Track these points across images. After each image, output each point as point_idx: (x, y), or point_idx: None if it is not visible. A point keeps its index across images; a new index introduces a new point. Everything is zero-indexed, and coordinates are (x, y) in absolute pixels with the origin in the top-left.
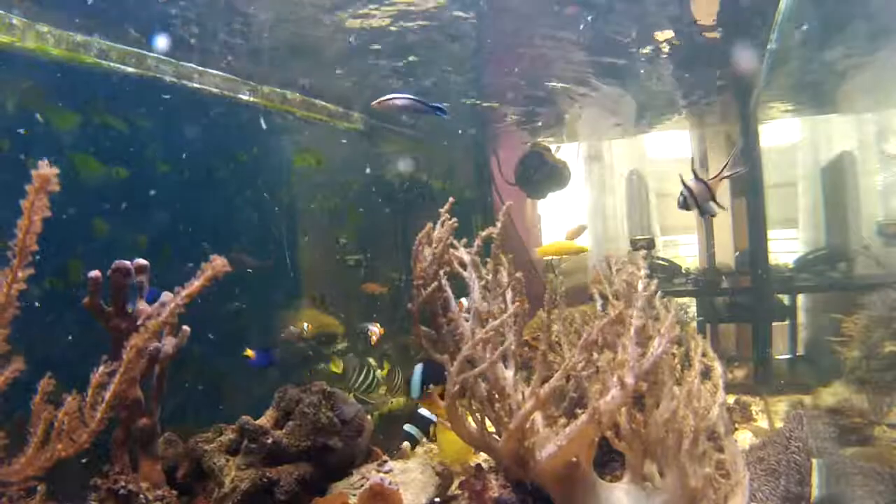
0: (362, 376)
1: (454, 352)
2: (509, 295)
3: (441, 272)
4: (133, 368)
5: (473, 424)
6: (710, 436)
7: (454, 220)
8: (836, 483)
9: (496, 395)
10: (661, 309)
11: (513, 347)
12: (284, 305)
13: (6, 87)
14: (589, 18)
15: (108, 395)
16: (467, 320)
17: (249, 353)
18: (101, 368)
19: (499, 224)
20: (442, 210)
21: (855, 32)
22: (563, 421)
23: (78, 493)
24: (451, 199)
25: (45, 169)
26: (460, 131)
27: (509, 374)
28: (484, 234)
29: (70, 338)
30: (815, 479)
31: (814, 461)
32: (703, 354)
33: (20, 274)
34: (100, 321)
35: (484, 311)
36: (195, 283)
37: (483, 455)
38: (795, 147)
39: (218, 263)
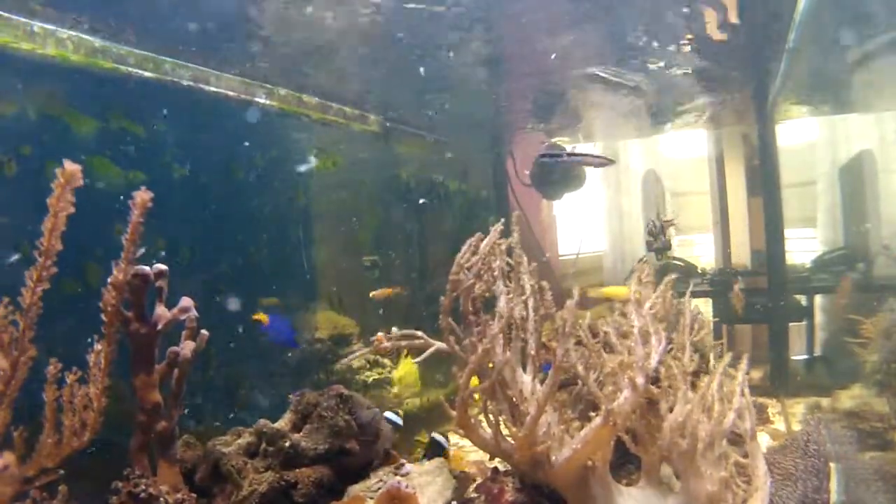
0: None
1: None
2: (531, 302)
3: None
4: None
5: (488, 431)
6: (734, 439)
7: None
8: (855, 489)
9: (514, 400)
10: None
11: (533, 352)
12: (301, 307)
13: (28, 93)
14: None
15: (102, 362)
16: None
17: (262, 317)
18: (97, 346)
19: (514, 234)
20: (494, 228)
21: (875, 28)
22: (577, 424)
23: (97, 495)
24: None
25: (71, 165)
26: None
27: (527, 378)
28: (504, 246)
29: (89, 341)
30: (833, 485)
31: (832, 466)
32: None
33: (45, 274)
34: (119, 326)
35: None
36: (134, 217)
37: None
38: (814, 145)
39: (143, 195)
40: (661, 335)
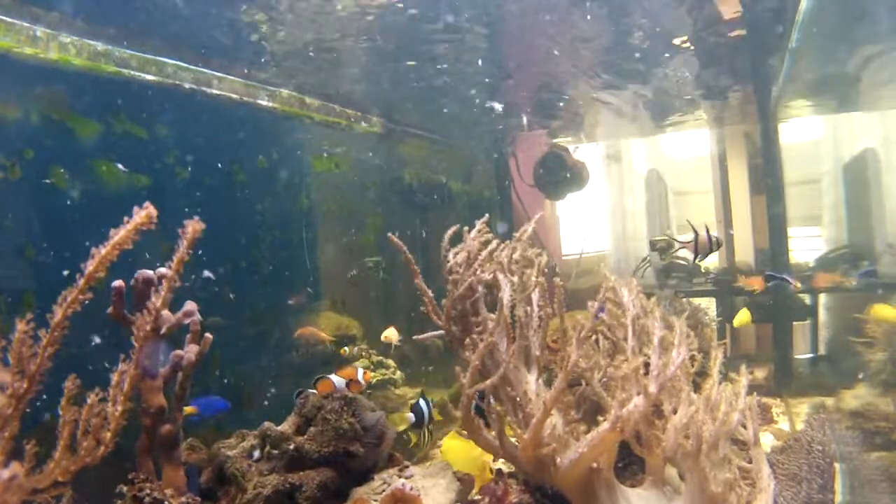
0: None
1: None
2: (536, 297)
3: (476, 273)
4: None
5: (491, 433)
6: (738, 444)
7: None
8: (860, 489)
9: (518, 400)
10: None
11: (537, 352)
12: (304, 308)
13: (31, 97)
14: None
15: (125, 386)
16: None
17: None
18: (121, 366)
19: (529, 229)
20: (480, 222)
21: (877, 27)
22: (583, 427)
23: (102, 498)
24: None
25: (151, 208)
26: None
27: (531, 378)
28: (518, 235)
29: (93, 344)
30: (838, 485)
31: (837, 466)
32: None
33: (81, 297)
34: (125, 329)
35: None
36: (181, 249)
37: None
38: (818, 143)
39: (193, 226)
40: (682, 348)
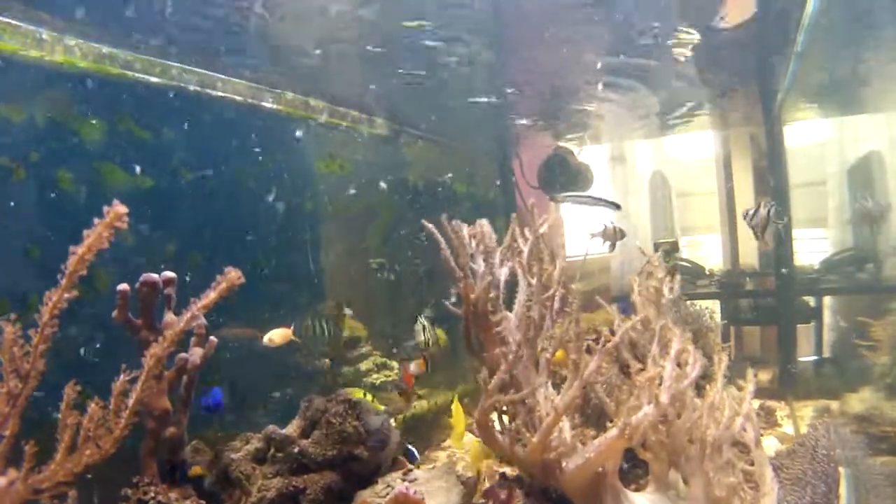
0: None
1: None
2: (557, 303)
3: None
4: (153, 376)
5: (502, 436)
6: (739, 448)
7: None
8: (865, 494)
9: (527, 403)
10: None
11: (548, 356)
12: (308, 310)
13: (37, 99)
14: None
15: (131, 402)
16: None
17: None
18: (122, 377)
19: (537, 224)
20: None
21: (883, 30)
22: (592, 433)
23: (106, 500)
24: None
25: (119, 206)
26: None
27: (541, 380)
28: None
29: (96, 346)
30: (843, 490)
31: (842, 471)
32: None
33: (65, 295)
34: (129, 333)
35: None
36: (210, 295)
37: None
38: (824, 146)
39: (232, 276)
40: (697, 363)
